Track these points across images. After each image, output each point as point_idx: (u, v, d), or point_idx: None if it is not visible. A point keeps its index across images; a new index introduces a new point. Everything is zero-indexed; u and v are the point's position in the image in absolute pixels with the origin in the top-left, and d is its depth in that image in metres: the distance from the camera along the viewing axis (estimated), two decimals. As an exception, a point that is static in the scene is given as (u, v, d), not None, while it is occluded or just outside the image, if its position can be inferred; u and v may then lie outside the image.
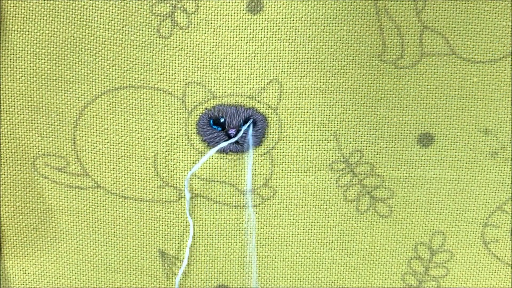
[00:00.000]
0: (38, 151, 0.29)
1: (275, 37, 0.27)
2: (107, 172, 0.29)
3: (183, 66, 0.28)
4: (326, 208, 0.30)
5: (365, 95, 0.28)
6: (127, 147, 0.29)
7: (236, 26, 0.27)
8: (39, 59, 0.27)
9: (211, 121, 0.28)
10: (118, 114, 0.28)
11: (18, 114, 0.28)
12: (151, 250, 0.30)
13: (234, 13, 0.27)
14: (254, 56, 0.28)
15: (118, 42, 0.27)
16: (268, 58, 0.28)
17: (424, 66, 0.28)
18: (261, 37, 0.27)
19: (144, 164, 0.29)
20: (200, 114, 0.28)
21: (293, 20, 0.27)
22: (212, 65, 0.28)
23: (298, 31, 0.27)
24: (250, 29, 0.27)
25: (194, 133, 0.28)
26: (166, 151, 0.29)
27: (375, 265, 0.31)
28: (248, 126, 0.28)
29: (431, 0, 0.27)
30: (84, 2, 0.27)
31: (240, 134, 0.28)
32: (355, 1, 0.27)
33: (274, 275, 0.31)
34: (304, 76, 0.28)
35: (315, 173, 0.29)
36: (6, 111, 0.28)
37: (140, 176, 0.29)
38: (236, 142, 0.28)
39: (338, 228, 0.30)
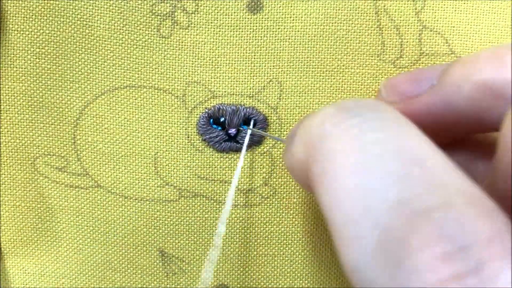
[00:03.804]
0: (38, 151, 0.29)
1: (275, 36, 0.28)
2: (107, 171, 0.29)
3: (183, 66, 0.28)
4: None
5: (364, 94, 0.28)
6: (127, 146, 0.29)
7: (236, 26, 0.27)
8: (39, 58, 0.27)
9: (211, 120, 0.28)
10: (119, 113, 0.28)
11: (18, 114, 0.28)
12: (151, 250, 0.30)
13: (234, 12, 0.27)
14: (254, 55, 0.28)
15: (118, 41, 0.27)
16: (268, 58, 0.28)
17: (423, 65, 0.28)
18: (261, 37, 0.28)
19: (144, 163, 0.29)
20: (200, 113, 0.28)
21: (293, 20, 0.27)
22: (212, 65, 0.28)
23: (298, 31, 0.28)
24: (250, 29, 0.27)
25: (194, 133, 0.29)
26: (166, 151, 0.29)
27: None
28: (244, 123, 0.28)
29: (430, 0, 0.28)
30: (84, 1, 0.27)
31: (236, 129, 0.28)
32: (354, 1, 0.27)
33: (274, 273, 0.31)
34: (303, 76, 0.28)
35: None
36: (6, 111, 0.28)
37: (140, 175, 0.29)
38: (236, 141, 0.29)
39: None
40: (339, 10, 0.27)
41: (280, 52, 0.28)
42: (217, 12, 0.27)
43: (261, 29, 0.27)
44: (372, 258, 0.15)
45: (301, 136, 0.19)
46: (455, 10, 0.28)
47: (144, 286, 0.30)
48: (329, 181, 0.17)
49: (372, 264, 0.15)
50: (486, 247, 0.14)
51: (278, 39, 0.28)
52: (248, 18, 0.27)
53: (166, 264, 0.30)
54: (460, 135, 0.23)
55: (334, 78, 0.28)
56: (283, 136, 0.29)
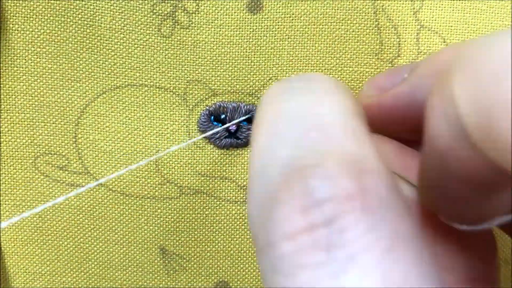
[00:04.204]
0: (39, 150, 0.29)
1: (274, 36, 0.28)
2: (108, 170, 0.29)
3: (184, 65, 0.28)
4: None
5: (363, 93, 0.29)
6: (128, 145, 0.29)
7: (236, 25, 0.28)
8: (39, 58, 0.28)
9: (212, 117, 0.29)
10: (120, 112, 0.28)
11: (18, 112, 0.28)
12: (152, 247, 0.30)
13: (234, 12, 0.28)
14: (254, 54, 0.28)
15: (120, 41, 0.28)
16: (268, 57, 0.28)
17: None
18: (260, 36, 0.28)
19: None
20: (201, 111, 0.29)
21: (292, 20, 0.28)
22: (212, 63, 0.28)
23: (297, 30, 0.28)
24: (250, 28, 0.28)
25: (195, 130, 0.29)
26: (167, 148, 0.29)
27: None
28: (245, 119, 0.29)
29: (428, 0, 0.28)
30: (85, 1, 0.27)
31: (235, 122, 0.28)
32: (353, 1, 0.28)
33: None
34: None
35: None
36: (7, 110, 0.28)
37: (141, 173, 0.29)
38: (237, 137, 0.29)
39: None
40: (337, 10, 0.28)
41: (279, 51, 0.28)
42: (218, 12, 0.27)
43: (261, 28, 0.28)
44: (258, 212, 0.16)
45: None
46: (453, 10, 0.28)
47: (145, 283, 0.30)
48: (252, 145, 0.18)
49: (257, 217, 0.16)
50: (343, 202, 0.14)
51: (277, 38, 0.28)
52: (248, 18, 0.28)
53: (166, 261, 0.30)
54: None
55: (332, 77, 0.28)
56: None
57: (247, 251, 0.30)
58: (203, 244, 0.30)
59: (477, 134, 0.14)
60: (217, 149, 0.29)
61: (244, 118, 0.28)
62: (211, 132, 0.28)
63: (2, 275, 0.30)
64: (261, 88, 0.28)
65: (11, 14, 0.27)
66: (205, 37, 0.28)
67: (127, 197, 0.29)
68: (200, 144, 0.29)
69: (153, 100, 0.28)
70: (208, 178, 0.29)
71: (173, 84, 0.28)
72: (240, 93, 0.28)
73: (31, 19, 0.27)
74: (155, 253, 0.30)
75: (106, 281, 0.30)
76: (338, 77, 0.28)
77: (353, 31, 0.28)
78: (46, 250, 0.30)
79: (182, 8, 0.27)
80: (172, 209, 0.30)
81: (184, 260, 0.30)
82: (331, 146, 0.16)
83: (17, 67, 0.28)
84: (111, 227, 0.30)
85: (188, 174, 0.29)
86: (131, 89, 0.28)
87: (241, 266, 0.31)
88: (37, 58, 0.28)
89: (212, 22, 0.28)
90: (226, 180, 0.29)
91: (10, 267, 0.30)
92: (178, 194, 0.29)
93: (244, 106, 0.28)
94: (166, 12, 0.27)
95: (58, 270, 0.30)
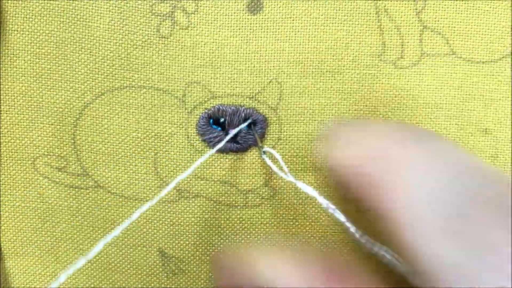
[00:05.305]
0: (38, 151, 0.29)
1: (275, 37, 0.28)
2: (107, 172, 0.29)
3: (183, 66, 0.28)
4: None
5: (364, 95, 0.28)
6: (127, 147, 0.29)
7: (236, 26, 0.27)
8: (38, 59, 0.27)
9: (211, 120, 0.28)
10: (118, 114, 0.28)
11: (18, 114, 0.28)
12: (151, 250, 0.30)
13: (234, 13, 0.27)
14: (254, 56, 0.28)
15: (118, 42, 0.27)
16: (268, 58, 0.28)
17: (424, 66, 0.28)
18: (261, 37, 0.28)
19: (144, 164, 0.29)
20: (200, 114, 0.28)
21: (293, 20, 0.27)
22: (212, 65, 0.28)
23: (298, 31, 0.28)
24: (250, 29, 0.27)
25: (194, 133, 0.29)
26: (166, 151, 0.29)
27: (376, 263, 0.31)
28: (248, 124, 0.28)
29: (431, 1, 0.28)
30: (84, 2, 0.27)
31: (236, 131, 0.28)
32: (355, 2, 0.27)
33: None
34: (304, 76, 0.28)
35: (315, 172, 0.29)
36: (6, 111, 0.28)
37: (140, 176, 0.29)
38: (236, 142, 0.29)
39: (338, 227, 0.30)
40: (339, 10, 0.27)
41: (280, 53, 0.28)
42: (217, 13, 0.27)
43: (261, 29, 0.27)
44: None
45: None
46: (455, 10, 0.28)
47: (144, 286, 0.30)
48: None
49: None
50: None
51: (278, 39, 0.28)
52: (248, 19, 0.27)
53: (165, 264, 0.30)
54: None
55: (334, 79, 0.28)
56: (284, 137, 0.29)
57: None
58: (202, 247, 0.30)
59: None
60: (217, 153, 0.29)
61: (245, 124, 0.28)
62: (220, 145, 0.28)
63: (2, 275, 0.30)
64: (261, 91, 0.28)
65: (11, 15, 0.27)
66: (205, 38, 0.28)
67: (126, 200, 0.29)
68: (199, 148, 0.29)
69: (152, 102, 0.28)
70: (207, 182, 0.29)
71: (172, 86, 0.28)
72: (240, 96, 0.28)
73: (30, 20, 0.27)
74: (154, 256, 0.30)
75: (105, 283, 0.30)
76: (340, 79, 0.28)
77: (355, 32, 0.28)
78: (45, 252, 0.30)
79: (181, 8, 0.27)
80: (171, 212, 0.29)
81: (183, 263, 0.30)
82: None
83: (16, 68, 0.28)
84: (111, 229, 0.30)
85: (188, 178, 0.29)
86: (129, 91, 0.28)
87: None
88: (36, 59, 0.27)
89: (211, 23, 0.27)
90: (226, 184, 0.29)
91: (10, 268, 0.30)
92: (177, 198, 0.29)
93: (243, 110, 0.28)
94: (165, 12, 0.27)
95: (58, 272, 0.30)
